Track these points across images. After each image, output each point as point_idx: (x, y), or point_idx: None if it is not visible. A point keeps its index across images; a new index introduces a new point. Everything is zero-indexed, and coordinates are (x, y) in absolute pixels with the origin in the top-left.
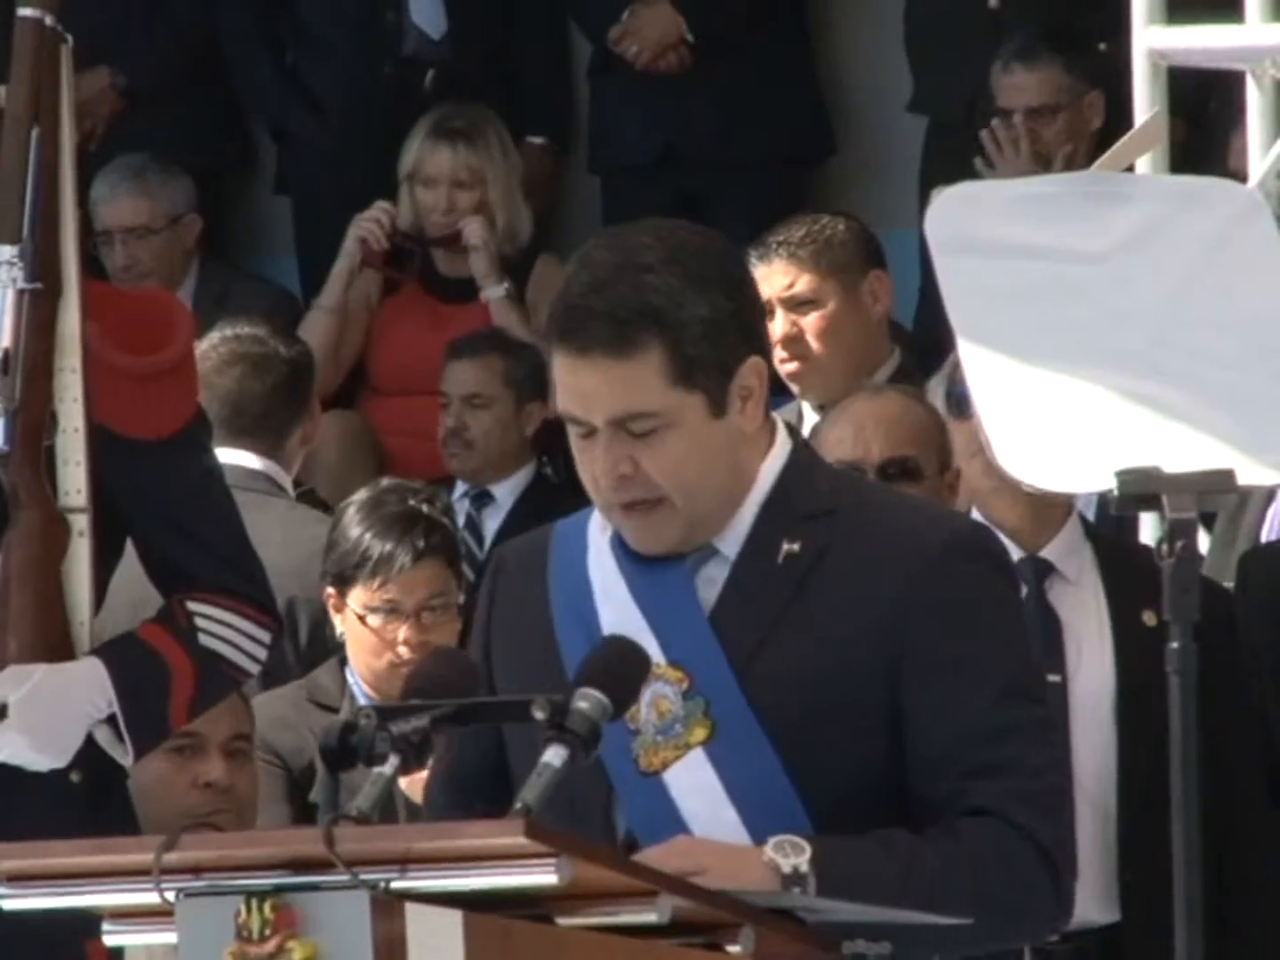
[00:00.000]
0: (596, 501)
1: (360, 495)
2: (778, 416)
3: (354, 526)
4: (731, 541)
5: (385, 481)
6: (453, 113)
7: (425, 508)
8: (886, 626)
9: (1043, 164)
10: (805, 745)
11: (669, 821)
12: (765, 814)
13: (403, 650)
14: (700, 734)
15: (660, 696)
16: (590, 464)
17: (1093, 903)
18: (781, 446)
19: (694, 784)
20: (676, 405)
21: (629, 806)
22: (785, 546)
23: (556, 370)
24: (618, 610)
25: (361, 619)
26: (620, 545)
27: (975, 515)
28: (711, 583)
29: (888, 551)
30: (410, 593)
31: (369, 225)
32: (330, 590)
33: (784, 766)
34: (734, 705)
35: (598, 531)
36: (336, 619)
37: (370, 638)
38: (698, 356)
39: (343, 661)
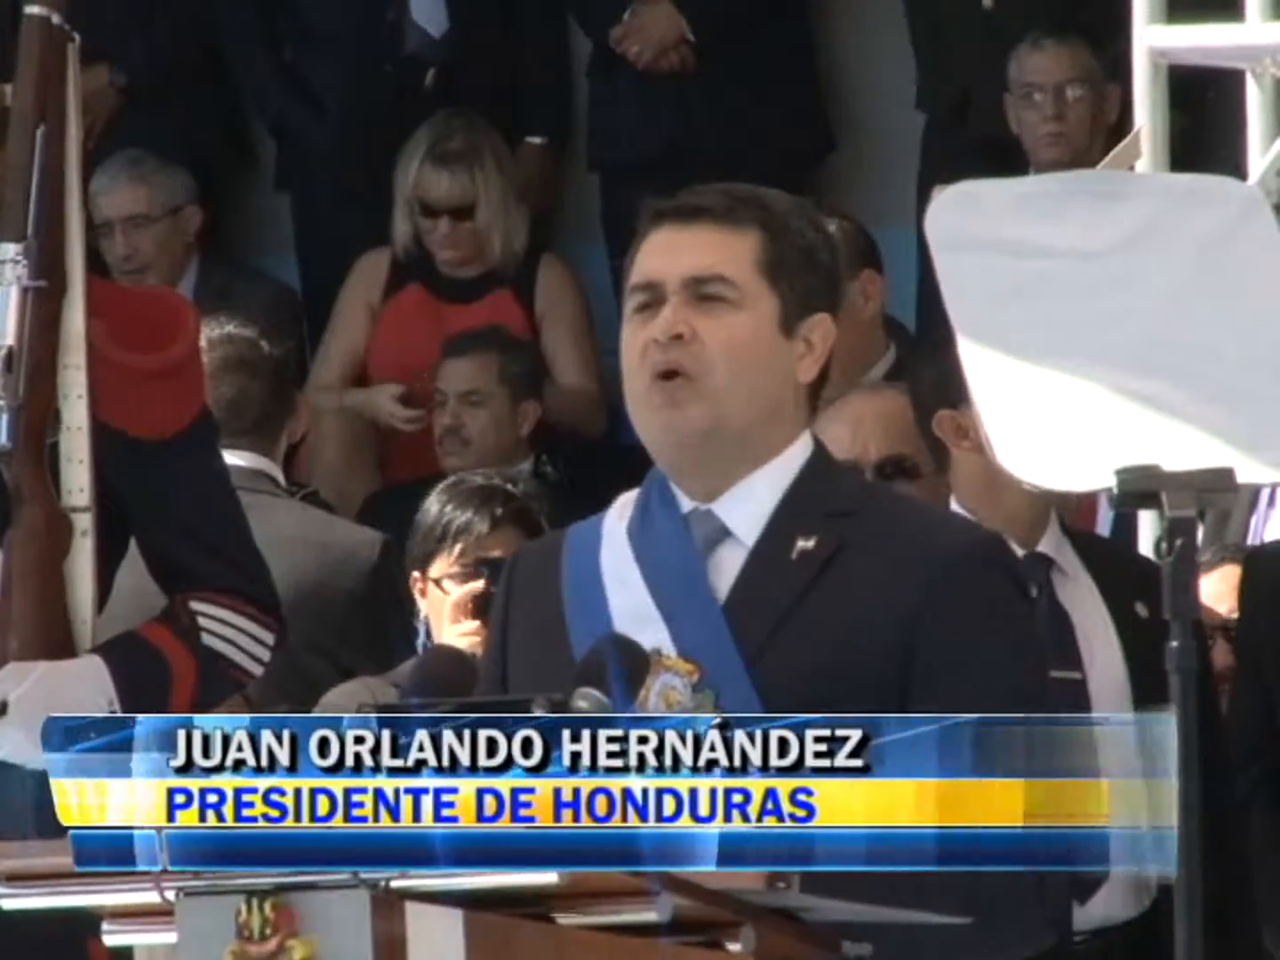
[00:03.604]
0: (632, 385)
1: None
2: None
3: (434, 506)
4: (747, 527)
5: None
6: (448, 131)
7: (508, 486)
8: (898, 628)
9: (1063, 144)
10: None
11: None
12: None
13: None
14: None
15: (669, 688)
16: (643, 334)
17: (1119, 898)
18: (805, 442)
19: None
20: (754, 292)
21: None
22: (800, 544)
23: (649, 244)
24: (631, 598)
25: (438, 583)
26: (638, 533)
27: (955, 506)
28: (721, 571)
29: (905, 555)
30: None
31: None
32: (415, 574)
33: None
34: (743, 699)
35: (614, 521)
36: (422, 604)
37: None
38: (790, 261)
39: None
